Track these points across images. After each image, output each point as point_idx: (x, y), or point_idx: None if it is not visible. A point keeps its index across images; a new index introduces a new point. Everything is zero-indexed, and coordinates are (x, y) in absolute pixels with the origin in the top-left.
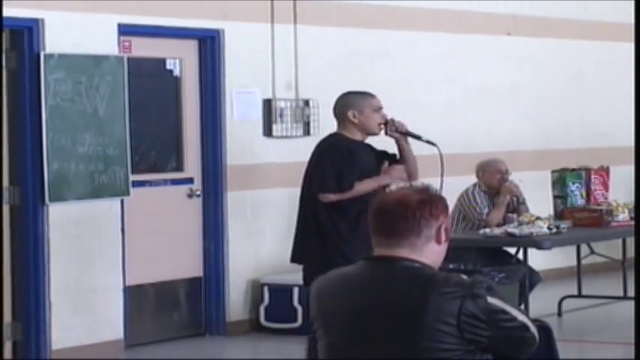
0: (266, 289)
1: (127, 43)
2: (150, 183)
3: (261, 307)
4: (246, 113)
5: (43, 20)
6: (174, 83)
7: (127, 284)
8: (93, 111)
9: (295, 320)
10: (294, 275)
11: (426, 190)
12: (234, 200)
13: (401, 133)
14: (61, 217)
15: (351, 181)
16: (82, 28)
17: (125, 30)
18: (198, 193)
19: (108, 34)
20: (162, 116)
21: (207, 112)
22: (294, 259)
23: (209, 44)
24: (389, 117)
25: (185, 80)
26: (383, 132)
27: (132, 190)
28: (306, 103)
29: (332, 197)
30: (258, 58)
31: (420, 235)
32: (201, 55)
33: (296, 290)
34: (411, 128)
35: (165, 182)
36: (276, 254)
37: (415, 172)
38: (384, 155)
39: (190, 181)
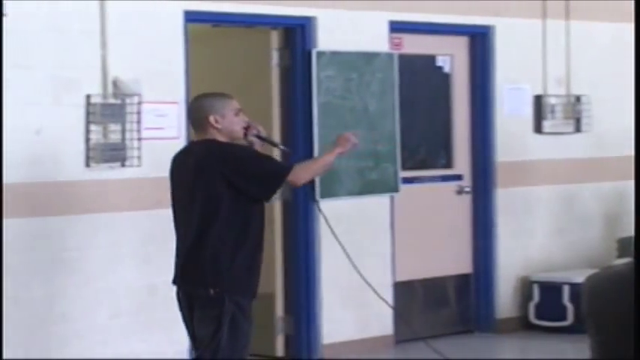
0: (536, 286)
1: (398, 40)
2: (419, 179)
3: (531, 305)
4: (516, 109)
5: (315, 18)
6: (444, 80)
7: (396, 280)
8: (363, 108)
9: (565, 318)
10: (564, 273)
11: None
12: (505, 197)
13: (260, 139)
14: (332, 213)
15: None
16: (354, 26)
17: (396, 27)
18: (467, 189)
19: (379, 31)
20: (431, 113)
21: (477, 109)
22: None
23: (480, 40)
24: (248, 120)
25: (455, 77)
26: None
27: (401, 186)
28: (578, 99)
29: (303, 173)
30: (529, 54)
31: None
32: (472, 51)
33: (566, 288)
34: None
35: (434, 179)
36: (546, 251)
37: None
38: None
39: (459, 177)
